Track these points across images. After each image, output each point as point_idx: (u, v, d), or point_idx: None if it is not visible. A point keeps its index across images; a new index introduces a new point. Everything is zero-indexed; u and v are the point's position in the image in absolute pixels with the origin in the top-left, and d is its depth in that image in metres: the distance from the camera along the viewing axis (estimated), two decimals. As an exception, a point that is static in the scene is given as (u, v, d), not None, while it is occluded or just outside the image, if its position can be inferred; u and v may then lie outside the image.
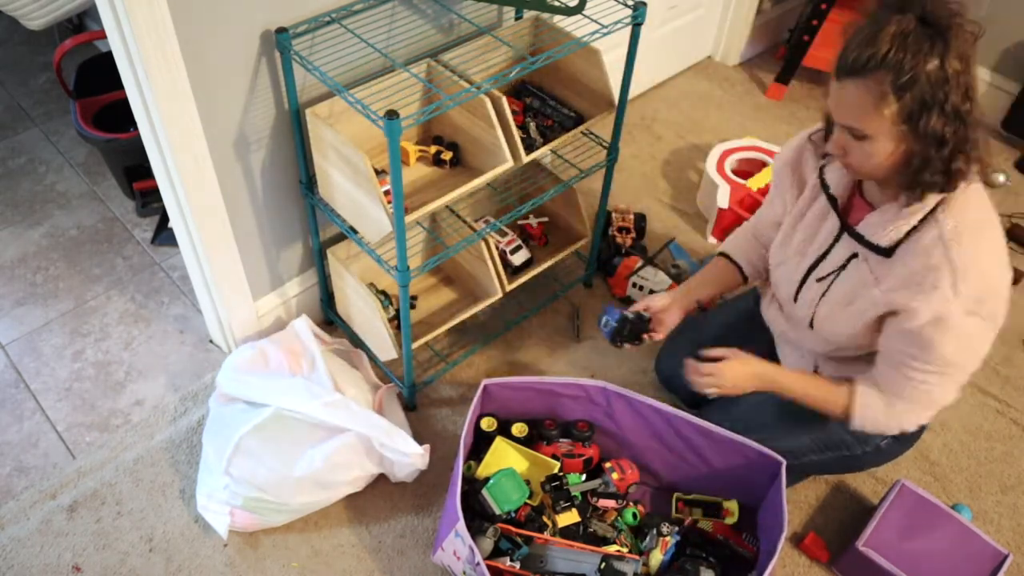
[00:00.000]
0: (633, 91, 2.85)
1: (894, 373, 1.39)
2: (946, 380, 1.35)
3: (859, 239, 1.38)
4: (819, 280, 1.47)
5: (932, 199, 1.26)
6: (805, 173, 1.53)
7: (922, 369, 1.34)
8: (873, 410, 1.43)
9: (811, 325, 1.52)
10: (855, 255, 1.40)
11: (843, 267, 1.42)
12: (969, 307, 1.26)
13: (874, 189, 1.38)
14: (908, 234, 1.30)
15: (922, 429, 1.59)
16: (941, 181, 1.23)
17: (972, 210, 1.26)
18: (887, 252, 1.33)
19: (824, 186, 1.46)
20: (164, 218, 2.29)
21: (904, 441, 1.61)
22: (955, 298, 1.25)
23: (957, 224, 1.25)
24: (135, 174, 2.27)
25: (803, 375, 1.54)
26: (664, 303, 1.66)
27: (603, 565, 1.51)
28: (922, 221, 1.28)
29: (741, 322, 1.81)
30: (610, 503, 1.67)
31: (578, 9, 1.65)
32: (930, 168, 1.21)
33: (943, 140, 1.18)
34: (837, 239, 1.44)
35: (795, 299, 1.54)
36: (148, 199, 2.33)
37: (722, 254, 1.75)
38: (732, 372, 1.50)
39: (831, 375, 1.55)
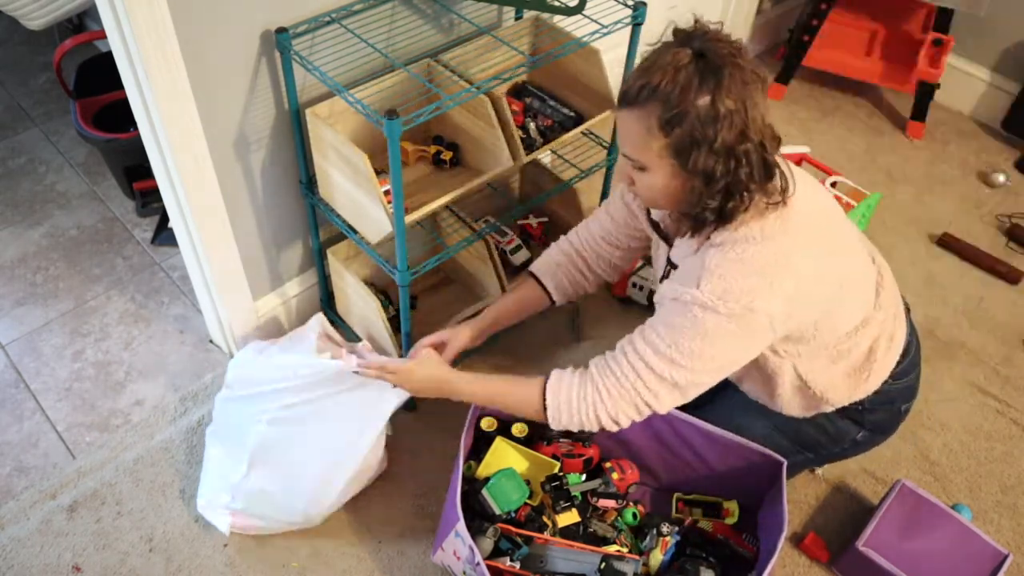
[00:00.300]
0: (633, 91, 2.85)
1: (619, 345, 1.35)
2: (667, 367, 1.28)
3: (672, 264, 1.40)
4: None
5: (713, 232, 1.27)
6: (639, 211, 1.55)
7: (645, 345, 1.29)
8: (565, 391, 1.35)
9: None
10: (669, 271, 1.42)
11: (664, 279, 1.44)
12: (707, 301, 1.23)
13: (675, 225, 1.40)
14: (697, 250, 1.32)
15: (899, 414, 1.59)
16: (714, 217, 1.23)
17: (744, 227, 1.25)
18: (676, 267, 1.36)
19: (653, 224, 1.49)
20: (164, 218, 2.29)
21: (882, 431, 1.60)
22: (695, 289, 1.25)
23: (723, 238, 1.26)
24: (135, 174, 2.27)
25: (492, 380, 1.48)
26: (446, 336, 1.60)
27: (603, 565, 1.51)
28: (705, 239, 1.29)
29: None
30: (610, 503, 1.67)
31: (578, 9, 1.65)
32: (701, 203, 1.22)
33: (713, 177, 1.18)
34: (668, 264, 1.44)
35: None
36: (148, 199, 2.33)
37: (533, 276, 1.68)
38: (412, 375, 1.48)
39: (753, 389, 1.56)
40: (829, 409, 1.52)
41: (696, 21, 1.21)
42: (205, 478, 1.68)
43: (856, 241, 1.43)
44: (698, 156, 1.17)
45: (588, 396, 1.34)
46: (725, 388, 1.72)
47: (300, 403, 1.56)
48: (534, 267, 1.70)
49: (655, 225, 1.49)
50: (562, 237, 1.71)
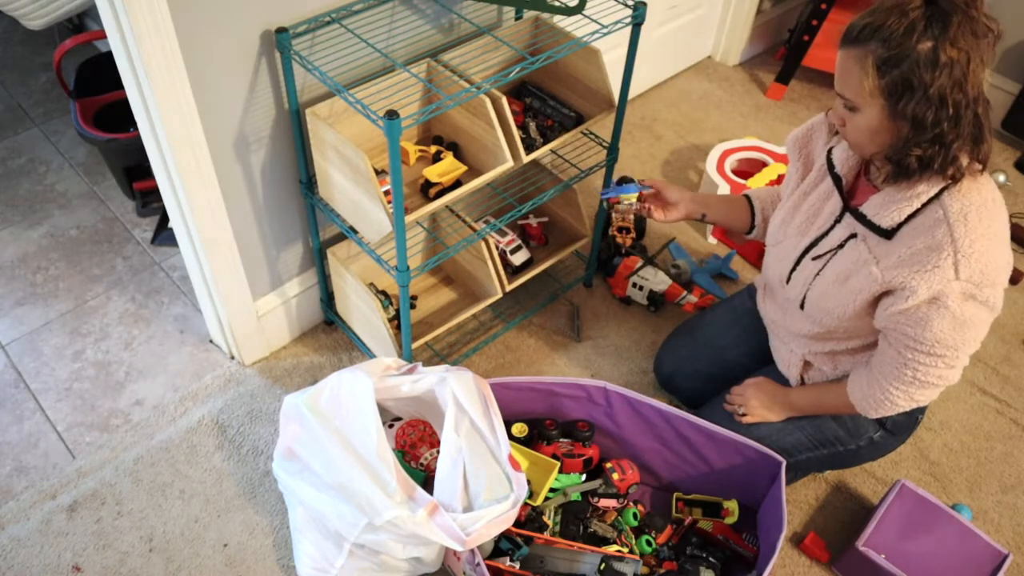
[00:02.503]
0: (633, 91, 2.85)
1: (891, 352, 1.37)
2: (939, 362, 1.34)
3: (861, 219, 1.36)
4: (815, 259, 1.46)
5: (936, 184, 1.25)
6: (813, 152, 1.53)
7: (916, 348, 1.33)
8: (860, 389, 1.44)
9: (802, 306, 1.51)
10: (854, 235, 1.39)
11: (840, 246, 1.41)
12: (968, 290, 1.24)
13: (877, 172, 1.37)
14: (909, 217, 1.29)
15: (916, 421, 1.60)
16: (922, 167, 1.22)
17: (978, 193, 1.25)
18: (888, 234, 1.32)
19: (830, 165, 1.45)
20: (164, 218, 2.29)
21: (898, 433, 1.61)
22: (955, 279, 1.24)
23: (964, 206, 1.24)
24: (135, 174, 2.27)
25: (822, 390, 1.56)
26: (675, 196, 1.68)
27: (603, 565, 1.51)
28: (926, 204, 1.27)
29: (737, 322, 1.81)
30: (610, 503, 1.67)
31: (578, 9, 1.65)
32: (911, 151, 1.20)
33: (923, 124, 1.17)
34: (839, 219, 1.43)
35: (788, 280, 1.54)
36: (148, 199, 2.33)
37: (745, 195, 1.75)
38: (756, 401, 1.63)
39: (823, 371, 1.57)
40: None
41: None
42: (299, 545, 1.60)
43: None
44: (909, 100, 1.15)
45: (887, 405, 1.43)
46: (736, 382, 1.71)
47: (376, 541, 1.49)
48: (750, 191, 1.75)
49: (836, 179, 1.44)
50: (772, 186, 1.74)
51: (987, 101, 1.20)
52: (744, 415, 1.65)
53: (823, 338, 1.51)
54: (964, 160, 1.22)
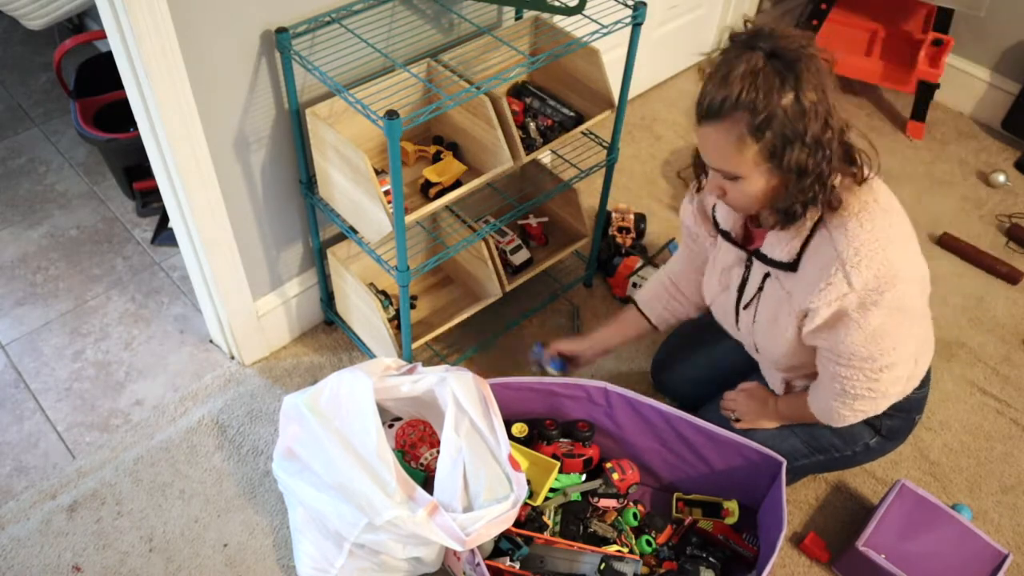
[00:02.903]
0: (633, 91, 2.85)
1: (823, 369, 1.41)
2: (859, 374, 1.35)
3: (763, 259, 1.39)
4: (745, 308, 1.49)
5: (811, 215, 1.27)
6: (710, 214, 1.54)
7: (836, 362, 1.35)
8: (816, 404, 1.47)
9: (756, 349, 1.55)
10: (768, 275, 1.41)
11: (760, 289, 1.43)
12: (866, 298, 1.25)
13: (765, 219, 1.40)
14: (805, 243, 1.31)
15: (912, 423, 1.61)
16: (800, 209, 1.24)
17: (857, 200, 1.26)
18: (792, 266, 1.34)
19: (715, 224, 1.49)
20: (164, 218, 2.29)
21: (893, 438, 1.62)
22: (850, 290, 1.25)
23: (841, 218, 1.26)
24: (135, 174, 2.27)
25: (806, 400, 1.56)
26: (583, 358, 1.82)
27: (603, 565, 1.51)
28: (813, 229, 1.29)
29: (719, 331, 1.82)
30: (610, 503, 1.67)
31: (578, 9, 1.65)
32: (795, 198, 1.22)
33: (805, 170, 1.18)
34: (748, 266, 1.45)
35: (737, 328, 1.57)
36: (148, 199, 2.33)
37: (635, 306, 1.79)
38: (745, 405, 1.65)
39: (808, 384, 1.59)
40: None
41: (746, 22, 1.20)
42: (299, 546, 1.60)
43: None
44: (791, 154, 1.16)
45: (847, 415, 1.45)
46: (734, 386, 1.72)
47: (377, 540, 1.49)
48: (637, 298, 1.80)
49: (725, 234, 1.47)
50: (662, 268, 1.78)
51: (846, 123, 1.22)
52: (738, 420, 1.66)
53: (792, 368, 1.53)
54: (839, 184, 1.24)
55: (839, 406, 1.43)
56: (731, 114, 1.15)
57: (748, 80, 1.13)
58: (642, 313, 1.77)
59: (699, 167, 1.39)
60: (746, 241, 1.45)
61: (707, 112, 1.18)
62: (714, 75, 1.18)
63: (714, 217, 1.50)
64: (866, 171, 1.26)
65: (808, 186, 1.20)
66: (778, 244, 1.35)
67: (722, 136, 1.19)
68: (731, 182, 1.25)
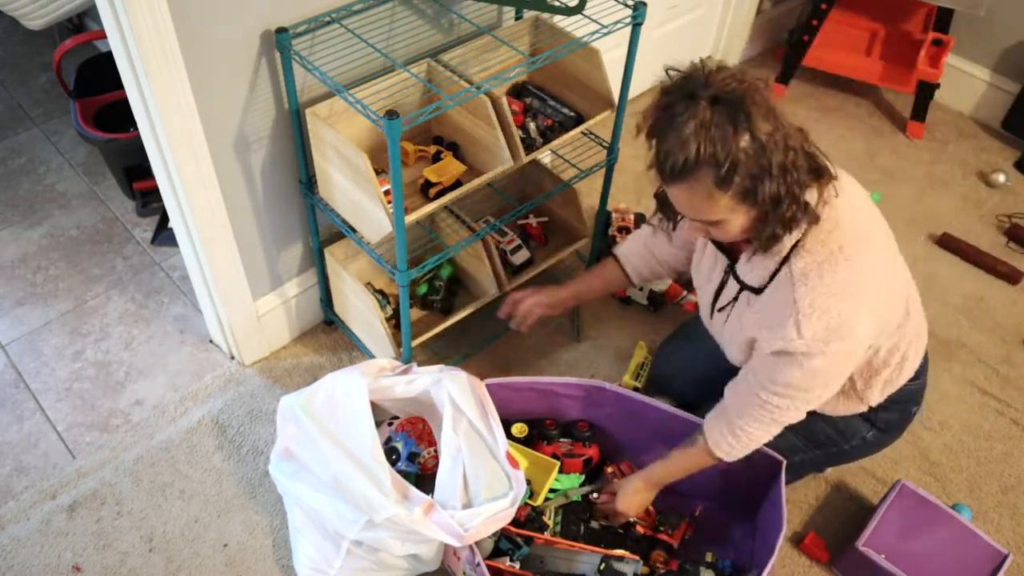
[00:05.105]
0: (633, 91, 2.84)
1: (745, 391, 1.42)
2: (791, 403, 1.38)
3: (736, 278, 1.41)
4: (720, 310, 1.51)
5: (787, 244, 1.28)
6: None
7: (771, 390, 1.37)
8: (724, 438, 1.46)
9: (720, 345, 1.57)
10: (743, 290, 1.42)
11: (735, 300, 1.45)
12: (813, 348, 1.28)
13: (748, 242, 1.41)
14: (773, 274, 1.33)
15: (909, 416, 1.61)
16: (781, 232, 1.25)
17: (823, 246, 1.27)
18: (758, 291, 1.36)
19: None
20: (164, 218, 2.29)
21: (890, 431, 1.62)
22: (798, 338, 1.27)
23: (805, 266, 1.27)
24: (135, 174, 2.27)
25: (672, 458, 1.57)
26: (553, 308, 1.80)
27: (603, 565, 1.51)
28: (782, 263, 1.31)
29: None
30: None
31: (578, 9, 1.65)
32: (770, 225, 1.23)
33: (779, 197, 1.19)
34: (727, 274, 1.46)
35: (711, 319, 1.57)
36: (148, 199, 2.33)
37: (614, 258, 1.78)
38: (621, 503, 1.60)
39: None
40: (863, 409, 1.54)
41: (667, 71, 1.21)
42: (297, 546, 1.60)
43: (888, 229, 1.45)
44: (762, 188, 1.17)
45: (743, 438, 1.46)
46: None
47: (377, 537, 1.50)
48: (617, 250, 1.78)
49: (717, 243, 1.48)
50: (644, 225, 1.75)
51: (804, 132, 1.23)
52: (621, 516, 1.63)
53: None
54: (814, 197, 1.25)
55: (754, 430, 1.43)
56: (695, 172, 1.16)
57: (702, 134, 1.13)
58: (620, 265, 1.76)
59: (664, 210, 1.42)
60: (731, 251, 1.46)
61: (671, 173, 1.19)
62: (664, 134, 1.18)
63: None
64: (832, 169, 1.27)
65: (784, 211, 1.21)
66: (751, 270, 1.37)
67: (692, 193, 1.20)
68: (712, 226, 1.26)
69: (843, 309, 1.26)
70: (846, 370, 1.37)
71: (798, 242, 1.28)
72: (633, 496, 1.61)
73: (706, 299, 1.55)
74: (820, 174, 1.26)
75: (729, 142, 1.13)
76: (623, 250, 1.78)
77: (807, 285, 1.27)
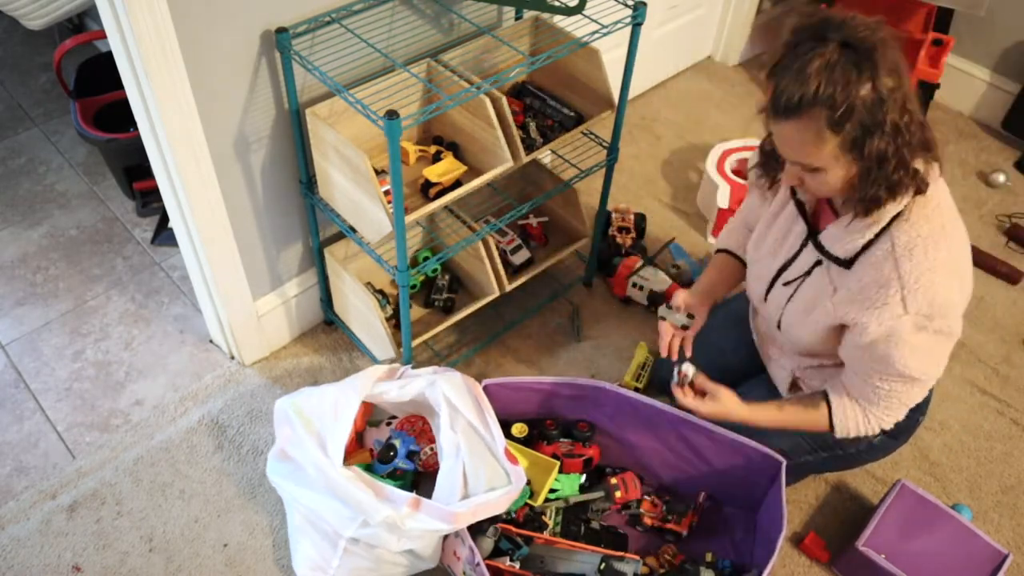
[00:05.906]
0: (633, 91, 2.85)
1: (861, 384, 1.40)
2: (912, 385, 1.36)
3: (820, 248, 1.38)
4: (786, 284, 1.48)
5: (888, 212, 1.26)
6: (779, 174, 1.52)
7: (887, 379, 1.35)
8: (852, 420, 1.44)
9: (779, 327, 1.53)
10: (819, 262, 1.40)
11: (808, 273, 1.42)
12: (919, 322, 1.26)
13: (843, 204, 1.38)
14: (866, 247, 1.30)
15: (916, 422, 1.60)
16: (885, 195, 1.23)
17: (927, 222, 1.26)
18: (847, 264, 1.33)
19: (793, 191, 1.46)
20: (164, 218, 2.29)
21: (897, 436, 1.61)
22: (904, 314, 1.25)
23: (910, 240, 1.25)
24: (135, 174, 2.27)
25: (776, 409, 1.52)
26: (699, 319, 1.66)
27: (603, 565, 1.51)
28: (878, 234, 1.28)
29: (736, 324, 1.81)
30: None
31: (578, 9, 1.65)
32: (874, 185, 1.21)
33: (886, 157, 1.18)
34: (804, 244, 1.44)
35: (765, 299, 1.54)
36: (148, 199, 2.33)
37: (721, 250, 1.75)
38: (709, 411, 1.51)
39: (811, 385, 1.57)
40: None
41: (812, 13, 1.18)
42: (297, 546, 1.60)
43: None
44: (871, 143, 1.15)
45: (873, 422, 1.43)
46: (736, 385, 1.72)
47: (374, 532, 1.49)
48: (722, 243, 1.74)
49: (799, 204, 1.44)
50: (734, 216, 1.73)
51: (920, 104, 1.21)
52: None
53: (810, 354, 1.52)
54: (922, 168, 1.23)
55: (883, 415, 1.41)
56: (809, 110, 1.14)
57: (825, 74, 1.11)
58: (734, 256, 1.71)
59: (767, 164, 1.39)
60: (814, 219, 1.43)
61: (784, 109, 1.16)
62: (786, 70, 1.15)
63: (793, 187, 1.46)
64: (938, 148, 1.25)
65: (890, 172, 1.19)
66: (839, 238, 1.33)
67: (801, 132, 1.18)
68: (810, 173, 1.24)
69: (946, 288, 1.24)
70: (947, 352, 1.33)
71: (899, 213, 1.26)
72: (725, 414, 1.51)
73: (766, 274, 1.52)
74: (928, 147, 1.23)
75: (850, 87, 1.11)
76: (728, 241, 1.72)
77: (912, 260, 1.24)
